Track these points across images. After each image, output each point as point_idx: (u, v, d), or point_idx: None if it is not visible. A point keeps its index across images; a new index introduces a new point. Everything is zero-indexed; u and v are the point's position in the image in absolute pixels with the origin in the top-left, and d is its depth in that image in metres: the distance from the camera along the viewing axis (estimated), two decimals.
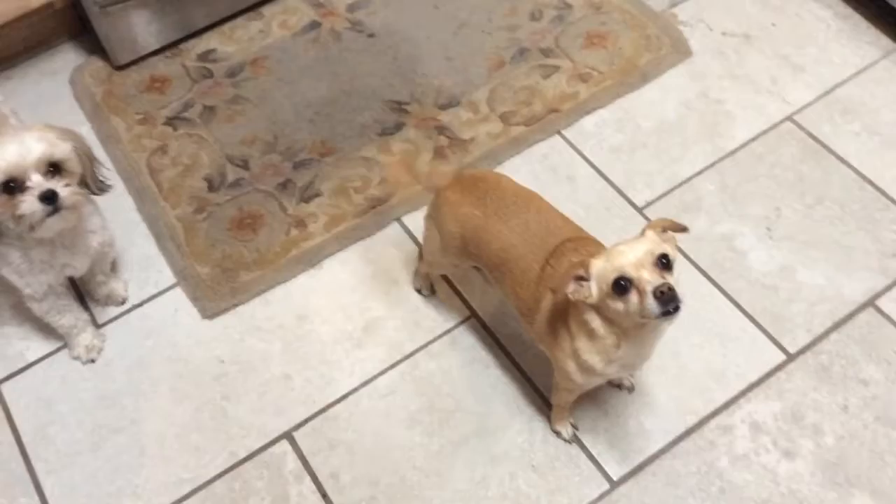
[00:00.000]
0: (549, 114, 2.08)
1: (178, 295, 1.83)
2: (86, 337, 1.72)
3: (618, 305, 1.22)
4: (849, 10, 2.22)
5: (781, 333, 1.73)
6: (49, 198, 1.40)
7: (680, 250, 1.81)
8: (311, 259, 1.86)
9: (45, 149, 1.41)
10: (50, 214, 1.42)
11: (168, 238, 1.89)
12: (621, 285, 1.20)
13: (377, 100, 2.12)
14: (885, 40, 2.16)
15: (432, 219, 1.58)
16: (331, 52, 2.21)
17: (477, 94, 2.12)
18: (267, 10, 2.30)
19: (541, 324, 1.40)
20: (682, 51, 2.18)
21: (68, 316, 1.68)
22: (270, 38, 2.24)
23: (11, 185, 1.40)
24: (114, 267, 1.82)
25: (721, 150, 2.00)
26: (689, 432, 1.63)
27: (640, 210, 1.92)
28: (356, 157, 2.01)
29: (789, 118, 2.04)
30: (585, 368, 1.35)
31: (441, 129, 2.06)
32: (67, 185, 1.44)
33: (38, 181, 1.40)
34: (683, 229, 1.29)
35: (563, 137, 2.05)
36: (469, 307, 1.80)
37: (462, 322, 1.78)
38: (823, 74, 2.11)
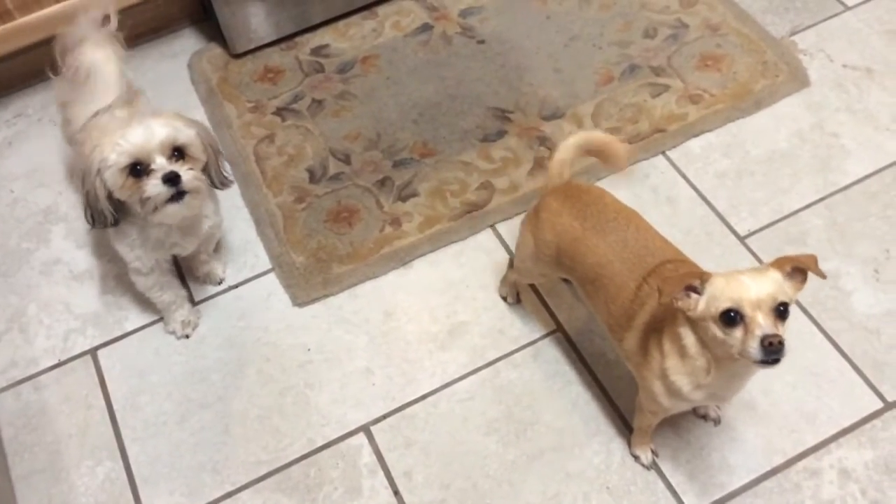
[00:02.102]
0: (655, 133, 2.05)
1: (272, 280, 1.87)
2: (182, 313, 1.78)
3: (718, 333, 1.18)
4: None
5: (881, 380, 1.66)
6: (172, 179, 1.44)
7: None
8: (403, 258, 1.88)
9: (169, 133, 1.46)
10: (172, 198, 1.46)
11: (268, 224, 1.94)
12: (731, 317, 1.16)
13: (481, 106, 2.13)
14: None
15: (529, 225, 1.57)
16: (440, 56, 2.23)
17: (582, 107, 2.10)
18: (382, 9, 2.34)
19: (632, 341, 1.37)
20: (799, 80, 2.11)
21: (169, 292, 1.74)
22: (382, 38, 2.28)
23: (138, 167, 1.45)
24: (217, 248, 1.88)
25: (833, 185, 1.93)
26: (774, 472, 1.57)
27: (742, 239, 1.87)
28: (456, 161, 2.02)
29: None
30: (673, 390, 1.32)
31: (542, 140, 2.05)
32: (190, 169, 1.48)
33: (161, 164, 1.45)
34: (818, 271, 1.21)
35: (668, 158, 2.02)
36: (555, 320, 1.78)
37: (547, 335, 1.76)
38: None
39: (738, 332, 1.16)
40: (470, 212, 1.94)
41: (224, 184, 1.61)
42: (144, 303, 1.82)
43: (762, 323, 1.14)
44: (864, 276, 1.79)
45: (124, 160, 1.44)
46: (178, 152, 1.48)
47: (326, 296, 1.83)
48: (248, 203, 1.99)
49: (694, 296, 1.21)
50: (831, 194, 1.92)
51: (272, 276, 1.88)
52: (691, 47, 2.19)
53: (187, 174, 1.47)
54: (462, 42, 2.26)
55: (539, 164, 2.01)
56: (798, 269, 1.22)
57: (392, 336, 1.78)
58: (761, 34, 2.20)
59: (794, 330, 1.72)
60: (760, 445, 1.60)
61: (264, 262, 1.90)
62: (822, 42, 2.18)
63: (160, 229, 1.58)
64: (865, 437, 1.60)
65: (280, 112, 2.14)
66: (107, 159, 1.44)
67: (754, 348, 1.14)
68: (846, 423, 1.62)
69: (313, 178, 2.01)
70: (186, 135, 1.49)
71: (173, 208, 1.48)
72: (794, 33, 2.21)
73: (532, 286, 1.82)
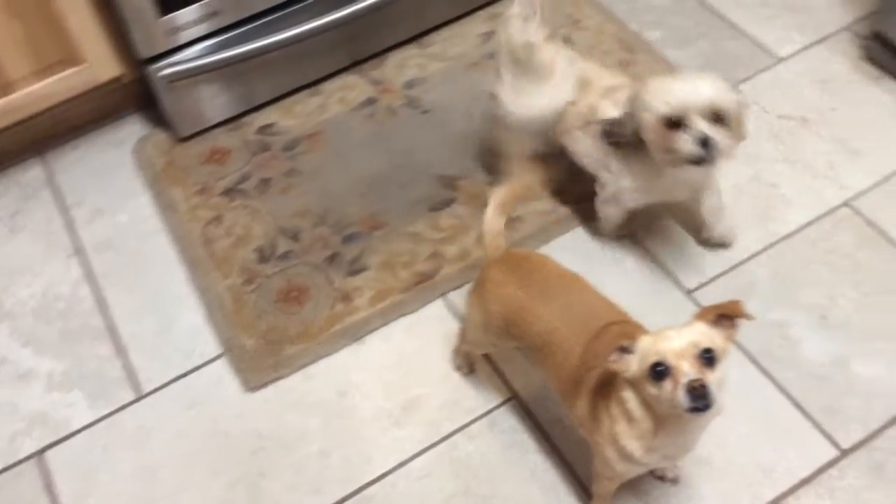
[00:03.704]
0: None
1: (223, 366, 1.85)
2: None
3: (651, 389, 1.20)
4: None
5: (834, 427, 1.67)
6: (706, 142, 1.48)
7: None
8: (355, 334, 1.87)
9: (713, 95, 1.50)
10: (698, 161, 1.51)
11: (217, 308, 1.93)
12: (658, 371, 1.18)
13: (429, 175, 2.15)
14: None
15: (475, 298, 1.58)
16: (386, 128, 2.26)
17: None
18: (327, 85, 2.37)
19: (582, 407, 1.38)
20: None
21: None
22: (328, 114, 2.31)
23: (674, 121, 1.50)
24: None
25: (774, 235, 1.97)
26: None
27: (689, 294, 1.89)
28: (405, 232, 2.03)
29: (846, 204, 1.99)
30: (625, 455, 1.32)
31: None
32: (726, 137, 1.51)
33: (699, 124, 1.49)
34: (742, 314, 1.23)
35: None
36: (511, 388, 1.78)
37: (503, 403, 1.76)
38: (884, 160, 2.06)
39: (667, 385, 1.17)
40: (420, 283, 1.94)
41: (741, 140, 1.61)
42: (93, 397, 1.80)
43: (686, 370, 1.16)
44: (811, 323, 1.81)
45: (664, 110, 1.51)
46: (715, 117, 1.50)
47: (278, 378, 1.82)
48: (198, 288, 1.98)
49: (627, 356, 1.23)
50: (774, 244, 1.95)
51: (223, 362, 1.86)
52: None
53: (722, 140, 1.49)
54: (407, 113, 2.29)
55: None
56: (724, 316, 1.24)
57: (347, 416, 1.76)
58: None
59: (746, 381, 1.73)
60: (719, 502, 1.60)
61: (214, 347, 1.88)
62: (756, 95, 2.24)
63: (669, 178, 1.65)
64: (823, 488, 1.60)
65: (227, 193, 2.15)
66: (650, 102, 1.53)
67: (682, 396, 1.16)
68: (803, 474, 1.62)
69: (262, 258, 2.01)
70: (729, 100, 1.52)
71: (695, 170, 1.55)
72: None
73: (486, 354, 1.82)
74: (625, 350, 1.23)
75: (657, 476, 1.63)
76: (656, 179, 1.70)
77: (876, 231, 1.94)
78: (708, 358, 1.18)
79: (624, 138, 1.64)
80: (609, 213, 1.90)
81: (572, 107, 1.81)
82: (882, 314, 1.81)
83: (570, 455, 1.67)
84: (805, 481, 1.61)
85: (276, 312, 1.91)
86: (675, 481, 1.62)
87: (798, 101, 2.21)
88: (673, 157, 1.54)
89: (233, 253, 2.02)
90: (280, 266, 1.99)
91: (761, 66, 2.29)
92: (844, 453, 1.64)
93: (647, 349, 1.20)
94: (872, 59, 2.24)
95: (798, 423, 1.68)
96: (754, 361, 1.77)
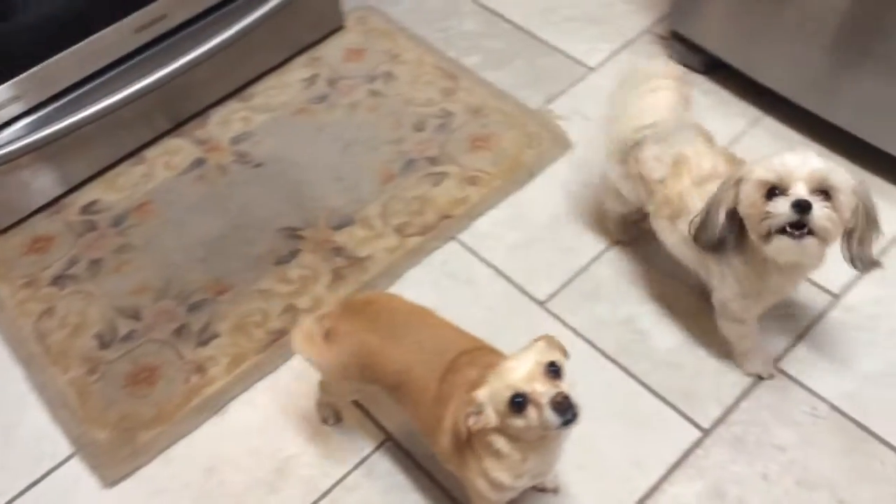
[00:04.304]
0: (443, 220, 2.10)
1: (76, 466, 1.73)
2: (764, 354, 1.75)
3: (518, 423, 1.21)
4: (714, 86, 2.32)
5: (694, 410, 1.74)
6: (802, 206, 1.34)
7: (585, 339, 1.84)
8: (215, 405, 1.80)
9: (823, 168, 1.37)
10: (791, 227, 1.36)
11: (61, 405, 1.81)
12: (517, 402, 1.19)
13: (270, 229, 2.11)
14: (751, 110, 2.26)
15: (328, 351, 1.55)
16: (218, 187, 2.21)
17: (369, 209, 2.13)
18: (149, 152, 2.29)
19: (445, 444, 1.37)
20: (562, 144, 2.24)
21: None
22: (155, 181, 2.23)
23: (776, 191, 1.37)
24: None
25: None
26: None
27: (542, 304, 1.93)
28: (253, 291, 1.98)
29: None
30: (496, 485, 1.33)
31: (338, 251, 2.06)
32: (829, 208, 1.36)
33: (803, 192, 1.35)
34: (564, 353, 1.29)
35: (460, 242, 2.07)
36: (383, 430, 1.76)
37: (378, 447, 1.73)
38: None
39: (531, 412, 1.19)
40: (277, 340, 1.90)
41: (861, 262, 1.44)
42: None
43: (542, 390, 1.18)
44: (657, 315, 1.89)
45: (768, 176, 1.38)
46: (824, 193, 1.37)
47: (138, 468, 1.72)
48: (37, 387, 1.85)
49: (481, 412, 1.23)
50: (612, 245, 2.03)
51: (76, 461, 1.74)
52: (460, 132, 2.28)
53: (821, 210, 1.34)
54: (238, 169, 2.24)
55: (338, 275, 2.00)
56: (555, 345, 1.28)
57: (217, 493, 1.68)
58: (520, 108, 2.33)
59: (606, 380, 1.79)
60: (600, 502, 1.63)
61: (64, 447, 1.76)
62: (575, 105, 2.33)
63: (777, 276, 1.50)
64: (692, 469, 1.66)
65: (57, 281, 2.03)
66: (752, 171, 1.40)
67: (550, 416, 1.17)
68: (673, 459, 1.68)
69: (103, 343, 1.91)
70: (841, 179, 1.37)
71: (787, 243, 1.38)
72: (549, 102, 2.35)
73: (354, 400, 1.79)
74: (474, 412, 1.23)
75: (539, 489, 1.64)
76: (764, 278, 1.52)
77: None
78: (554, 370, 1.20)
79: (715, 238, 1.47)
80: (733, 334, 1.70)
81: (662, 188, 1.63)
82: None
83: (452, 487, 1.66)
84: (675, 466, 1.67)
85: (126, 398, 1.81)
86: (556, 491, 1.64)
87: None
88: (765, 224, 1.38)
89: (70, 344, 1.91)
90: (124, 349, 1.90)
91: (576, 78, 2.40)
92: (706, 432, 1.71)
93: (497, 390, 1.21)
94: (673, 57, 2.38)
95: (660, 411, 1.74)
96: (612, 360, 1.82)
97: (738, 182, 1.43)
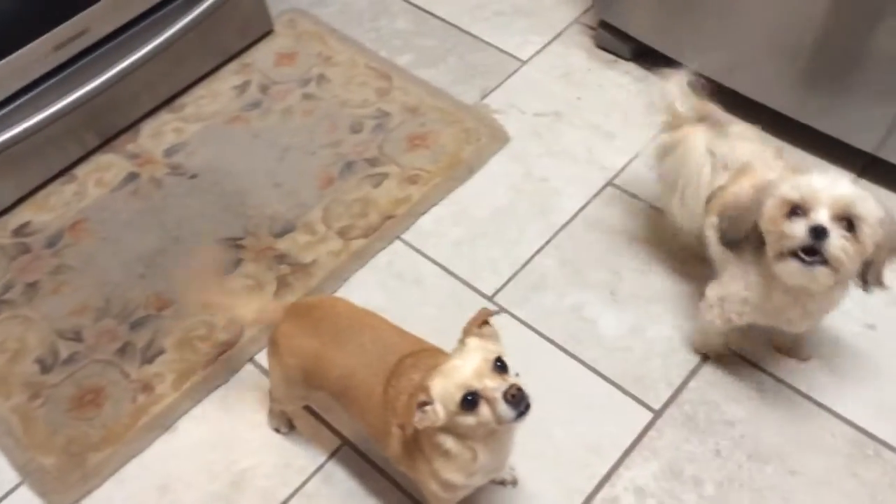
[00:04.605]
0: (386, 221, 2.09)
1: (25, 495, 1.69)
2: None
3: (469, 420, 1.21)
4: (644, 73, 2.36)
5: (644, 392, 1.77)
6: (819, 234, 1.31)
7: (535, 330, 1.86)
8: (164, 422, 1.77)
9: (851, 195, 1.33)
10: (804, 252, 1.33)
11: (4, 434, 1.76)
12: (469, 400, 1.19)
13: (209, 240, 2.07)
14: None
15: (272, 355, 1.54)
16: (154, 201, 2.16)
17: (311, 215, 2.11)
18: (80, 170, 2.24)
19: (395, 448, 1.37)
20: (500, 138, 2.25)
21: None
22: (88, 199, 2.17)
23: (799, 211, 1.34)
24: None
25: (554, 226, 2.06)
26: None
27: (490, 298, 1.94)
28: (196, 305, 1.95)
29: (610, 183, 2.13)
30: (449, 486, 1.33)
31: (281, 258, 2.03)
32: (847, 240, 1.32)
33: (822, 217, 1.32)
34: (489, 313, 1.30)
35: (404, 242, 2.07)
36: (339, 435, 1.74)
37: (334, 453, 1.72)
38: (633, 136, 2.21)
39: (484, 409, 1.19)
40: (224, 352, 1.87)
41: (869, 284, 1.41)
42: None
43: (494, 385, 1.18)
44: (602, 300, 1.92)
45: (792, 195, 1.35)
46: (847, 221, 1.33)
47: (89, 491, 1.68)
48: None
49: (429, 408, 1.22)
50: (556, 234, 2.05)
51: (24, 489, 1.69)
52: (398, 132, 2.27)
53: (838, 240, 1.31)
54: (173, 182, 2.20)
55: (282, 283, 1.98)
56: (484, 323, 1.29)
57: None
58: (456, 105, 2.33)
59: (557, 369, 1.80)
60: (558, 492, 1.65)
61: (11, 476, 1.71)
62: (510, 98, 2.35)
63: (782, 295, 1.46)
64: (647, 450, 1.69)
65: None
66: (778, 186, 1.37)
67: (504, 409, 1.18)
68: (627, 443, 1.70)
69: (45, 367, 1.86)
70: (868, 209, 1.32)
71: (797, 267, 1.35)
72: (484, 97, 2.36)
73: (307, 406, 1.77)
74: (424, 404, 1.23)
75: (497, 482, 1.65)
76: (769, 295, 1.50)
77: (641, 202, 2.08)
78: (501, 365, 1.21)
79: (738, 236, 1.46)
80: (708, 322, 1.67)
81: (720, 191, 1.60)
82: (660, 278, 1.94)
83: (409, 488, 1.66)
84: (630, 449, 1.69)
85: (73, 422, 1.77)
86: (514, 483, 1.65)
87: (548, 97, 2.34)
88: (784, 244, 1.36)
89: (10, 370, 1.85)
90: (67, 372, 1.85)
91: (509, 71, 2.41)
92: (658, 413, 1.74)
93: (447, 389, 1.21)
94: (603, 46, 2.42)
95: (612, 396, 1.77)
96: (562, 349, 1.84)
97: (765, 194, 1.41)
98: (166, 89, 2.35)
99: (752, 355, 1.79)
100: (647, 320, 1.87)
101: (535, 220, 2.08)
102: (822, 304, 1.50)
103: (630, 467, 1.67)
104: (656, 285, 1.93)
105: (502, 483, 1.65)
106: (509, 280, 1.97)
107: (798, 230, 1.33)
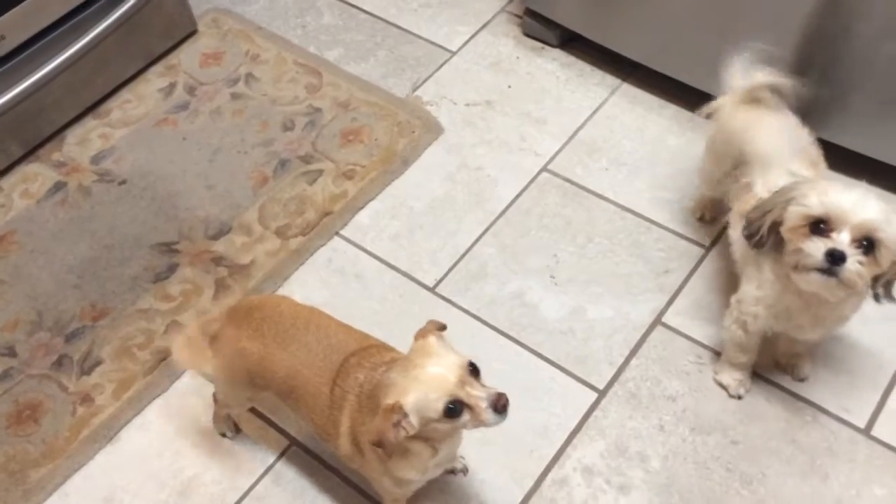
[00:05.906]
0: (324, 217, 2.08)
1: None
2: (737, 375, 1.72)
3: (445, 426, 1.22)
4: (571, 59, 2.39)
5: (588, 373, 1.80)
6: (836, 258, 1.31)
7: (478, 318, 1.87)
8: (107, 433, 1.73)
9: (876, 217, 1.30)
10: (821, 270, 1.33)
11: None
12: (452, 409, 1.20)
13: (143, 247, 2.03)
14: (609, 79, 2.34)
15: (216, 357, 1.51)
16: (83, 210, 2.11)
17: (247, 215, 2.09)
18: (4, 182, 2.17)
19: (345, 447, 1.36)
20: (433, 129, 2.26)
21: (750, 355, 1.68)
22: (13, 211, 2.11)
23: (821, 225, 1.34)
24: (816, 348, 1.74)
25: (492, 214, 2.08)
26: (529, 496, 1.64)
27: (432, 290, 1.95)
28: (133, 312, 1.91)
29: (544, 169, 2.15)
30: (403, 482, 1.34)
31: (218, 260, 2.01)
32: (862, 264, 1.32)
33: (843, 240, 1.32)
34: (443, 327, 1.31)
35: (343, 237, 2.06)
36: (286, 435, 1.73)
37: (283, 453, 1.71)
38: (564, 122, 2.25)
39: (465, 416, 1.21)
40: (163, 359, 1.84)
41: (886, 298, 1.42)
42: None
43: (478, 394, 1.20)
44: (543, 285, 1.94)
45: (817, 211, 1.33)
46: (867, 242, 1.32)
47: None
48: None
49: (405, 421, 1.21)
50: (493, 222, 2.06)
51: None
52: (330, 128, 2.26)
53: (854, 265, 1.31)
54: (102, 189, 2.15)
55: (221, 286, 1.96)
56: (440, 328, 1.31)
57: None
58: (388, 98, 2.33)
59: (502, 356, 1.82)
60: (509, 476, 1.66)
61: None
62: (442, 90, 2.35)
63: (794, 296, 1.46)
64: (593, 430, 1.72)
65: None
66: (805, 196, 1.35)
67: (490, 416, 1.21)
68: (573, 424, 1.73)
69: None
70: (891, 234, 1.31)
71: (816, 278, 1.35)
72: (415, 89, 2.36)
73: (253, 408, 1.75)
74: (399, 422, 1.21)
75: (448, 471, 1.66)
76: (782, 295, 1.50)
77: (575, 186, 2.11)
78: (473, 369, 1.22)
79: (759, 234, 1.44)
80: (731, 332, 1.64)
81: (752, 195, 1.57)
82: (599, 259, 1.97)
83: (360, 483, 1.66)
84: (577, 429, 1.72)
85: (11, 439, 1.72)
86: (465, 471, 1.66)
87: (479, 86, 2.35)
88: (797, 258, 1.36)
89: None
90: (2, 388, 1.80)
91: (439, 63, 2.42)
92: (602, 393, 1.77)
93: (426, 400, 1.20)
94: (530, 34, 2.44)
95: (557, 379, 1.79)
96: (505, 335, 1.86)
97: (790, 201, 1.39)
98: (90, 94, 2.29)
99: (687, 329, 1.84)
100: (587, 302, 1.90)
101: (472, 210, 2.09)
102: (833, 312, 1.50)
103: (577, 447, 1.70)
104: (594, 267, 1.96)
105: (453, 472, 1.66)
106: (450, 270, 1.98)
107: (816, 251, 1.34)
